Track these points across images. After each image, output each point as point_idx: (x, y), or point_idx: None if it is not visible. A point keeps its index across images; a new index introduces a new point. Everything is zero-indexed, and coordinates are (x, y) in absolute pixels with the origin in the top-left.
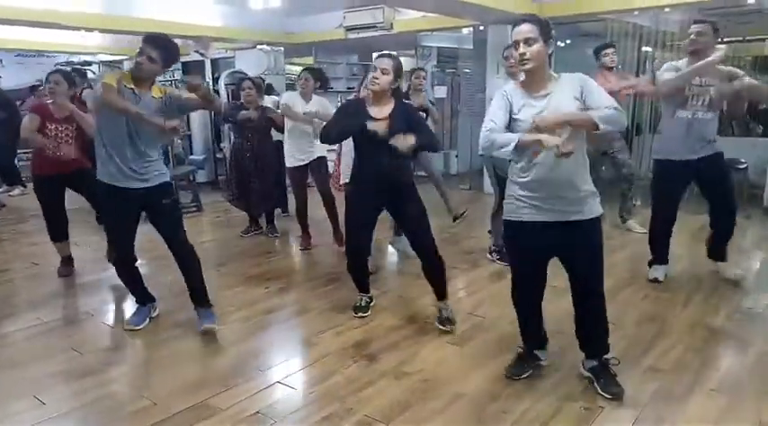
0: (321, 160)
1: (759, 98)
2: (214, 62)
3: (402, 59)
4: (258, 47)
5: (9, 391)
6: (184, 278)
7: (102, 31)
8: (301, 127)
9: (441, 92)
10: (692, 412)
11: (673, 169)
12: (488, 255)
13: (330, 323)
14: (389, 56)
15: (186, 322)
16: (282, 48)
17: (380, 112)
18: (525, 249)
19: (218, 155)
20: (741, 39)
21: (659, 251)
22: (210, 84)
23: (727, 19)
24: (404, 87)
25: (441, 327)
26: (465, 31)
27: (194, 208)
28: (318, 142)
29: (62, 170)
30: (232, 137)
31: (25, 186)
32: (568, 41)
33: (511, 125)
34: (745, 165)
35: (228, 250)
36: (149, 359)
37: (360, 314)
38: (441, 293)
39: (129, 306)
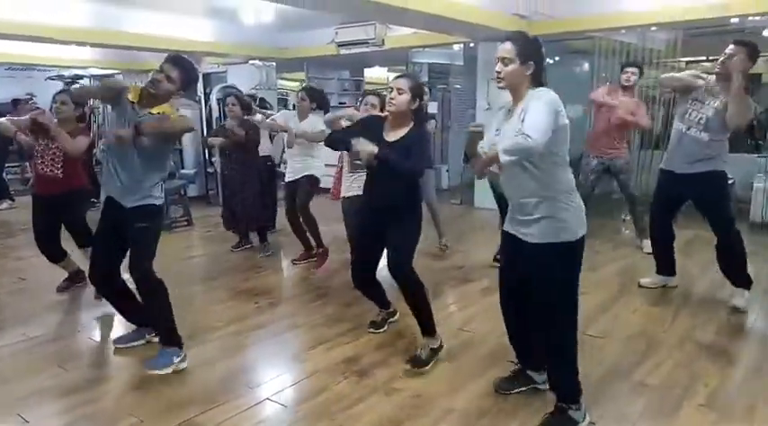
0: (309, 178)
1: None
2: (206, 77)
3: (391, 75)
4: (250, 62)
5: None
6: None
7: (94, 45)
8: (296, 144)
9: (432, 107)
10: None
11: (665, 177)
12: (493, 262)
13: (320, 339)
14: (406, 76)
15: None
16: (274, 64)
17: (394, 135)
18: (505, 259)
19: (209, 170)
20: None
21: (657, 258)
22: (202, 98)
23: (711, 38)
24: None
25: (407, 366)
26: (456, 47)
27: (185, 223)
28: (315, 162)
29: (52, 190)
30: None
31: (13, 200)
32: (557, 58)
33: None
34: (732, 181)
35: (219, 264)
36: (136, 376)
37: (371, 330)
38: (422, 327)
39: (118, 322)
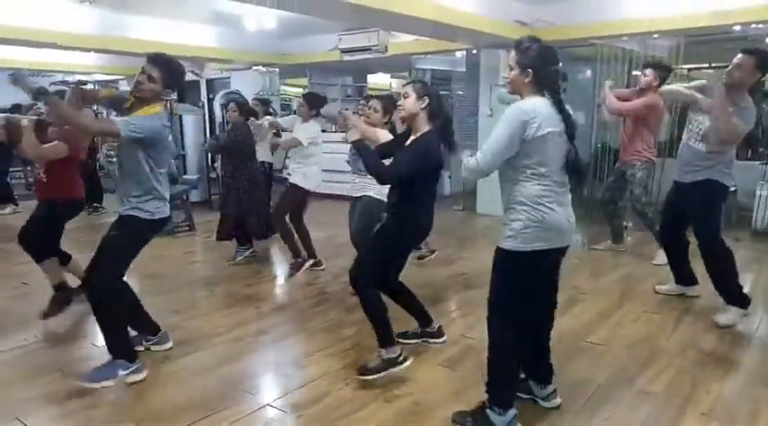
0: (291, 186)
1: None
2: (209, 82)
3: (394, 81)
4: (254, 68)
5: None
6: None
7: (98, 51)
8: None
9: None
10: None
11: (673, 187)
12: None
13: (321, 345)
14: (411, 81)
15: (174, 343)
16: (277, 70)
17: (411, 140)
18: None
19: (211, 175)
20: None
21: (672, 268)
22: (206, 104)
23: (713, 46)
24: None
25: (356, 374)
26: (458, 54)
27: (187, 228)
28: (304, 169)
29: (39, 195)
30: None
31: (17, 204)
32: (559, 65)
33: None
34: (734, 188)
35: (220, 270)
36: (136, 382)
37: (401, 340)
38: (377, 338)
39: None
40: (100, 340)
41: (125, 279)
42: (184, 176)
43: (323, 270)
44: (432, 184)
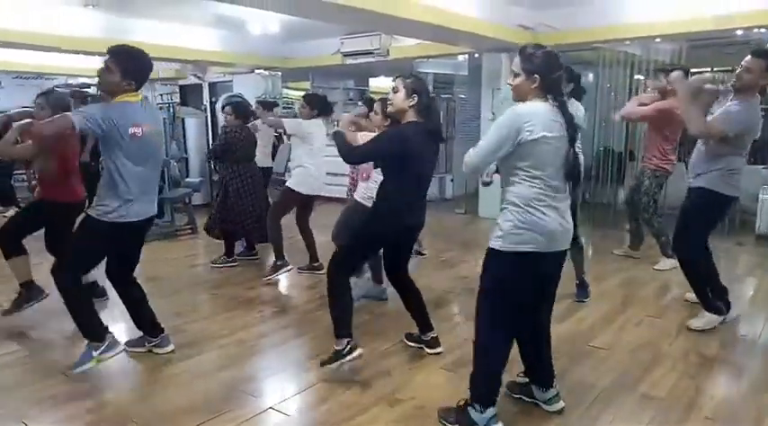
0: (284, 189)
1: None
2: (212, 86)
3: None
4: (256, 71)
5: None
6: None
7: (102, 54)
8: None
9: None
10: None
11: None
12: None
13: (324, 348)
14: (402, 75)
15: (176, 346)
16: (280, 73)
17: None
18: None
19: (214, 178)
20: (730, 69)
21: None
22: (208, 107)
23: (715, 50)
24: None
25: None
26: (460, 57)
27: (189, 231)
28: (300, 171)
29: (38, 196)
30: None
31: (20, 207)
32: (563, 70)
33: None
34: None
35: (223, 273)
36: (139, 384)
37: (406, 340)
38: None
39: (121, 331)
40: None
41: (136, 278)
42: (187, 179)
43: (323, 274)
44: (401, 173)
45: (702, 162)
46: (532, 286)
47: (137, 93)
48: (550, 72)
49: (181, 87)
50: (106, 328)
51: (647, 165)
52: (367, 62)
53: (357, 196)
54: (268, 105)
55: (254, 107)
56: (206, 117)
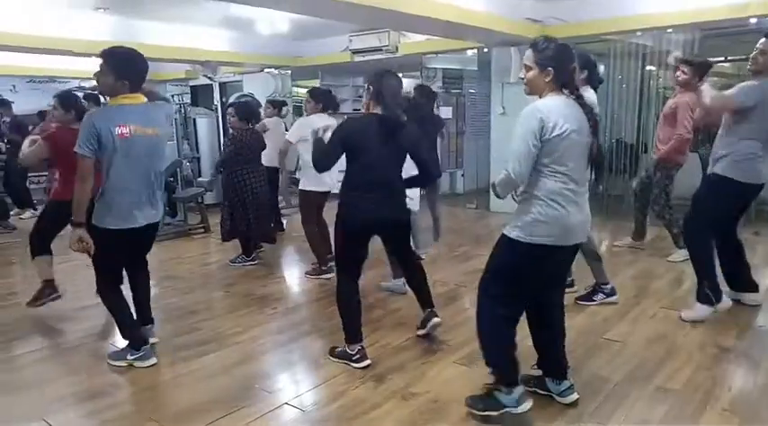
0: (299, 192)
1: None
2: (222, 86)
3: (406, 81)
4: (266, 70)
5: (19, 414)
6: None
7: None
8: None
9: (446, 112)
10: None
11: None
12: None
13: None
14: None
15: (192, 344)
16: (289, 71)
17: None
18: None
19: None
20: (744, 57)
21: (723, 272)
22: (219, 107)
23: (729, 39)
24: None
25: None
26: (469, 52)
27: (202, 230)
28: (307, 172)
29: (53, 196)
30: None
31: (36, 209)
32: (575, 62)
33: None
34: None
35: (236, 270)
36: (156, 382)
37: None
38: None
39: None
40: (119, 341)
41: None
42: (199, 179)
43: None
44: (349, 166)
45: (720, 147)
46: (542, 275)
47: (136, 94)
48: (564, 64)
49: (192, 88)
50: (145, 340)
51: (658, 155)
52: (376, 59)
53: None
54: (277, 104)
55: (263, 106)
56: (216, 117)
